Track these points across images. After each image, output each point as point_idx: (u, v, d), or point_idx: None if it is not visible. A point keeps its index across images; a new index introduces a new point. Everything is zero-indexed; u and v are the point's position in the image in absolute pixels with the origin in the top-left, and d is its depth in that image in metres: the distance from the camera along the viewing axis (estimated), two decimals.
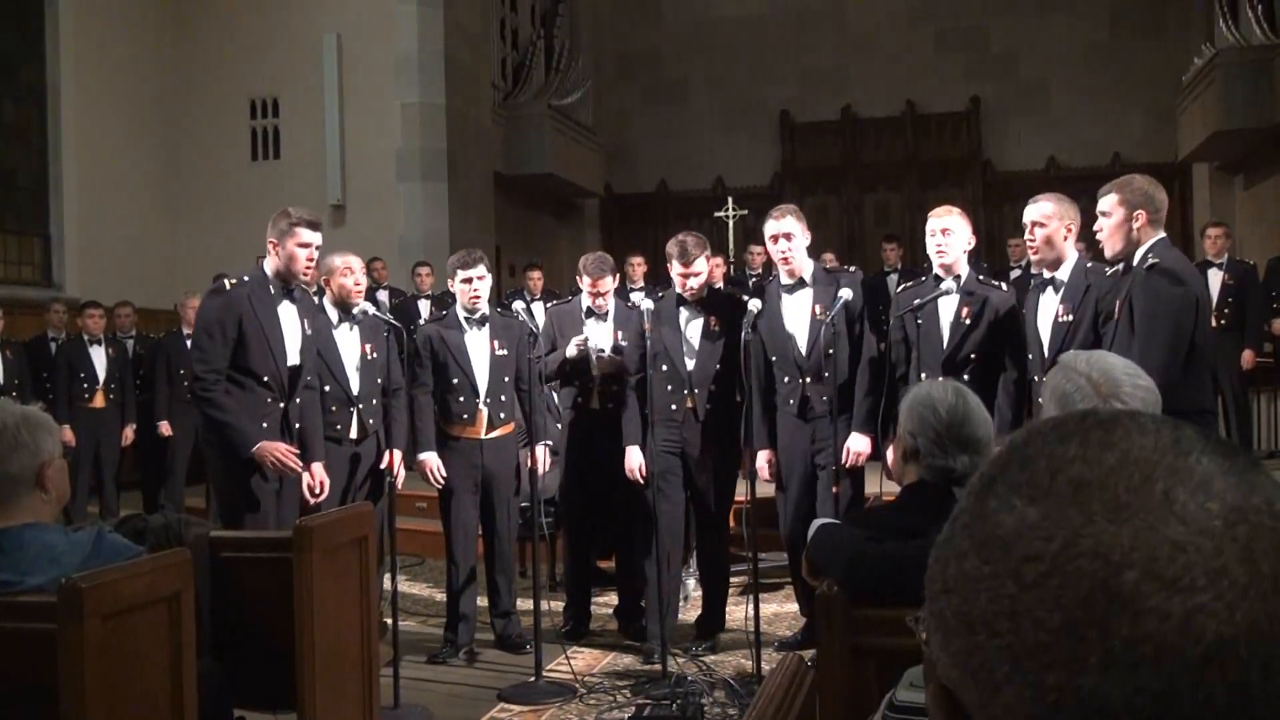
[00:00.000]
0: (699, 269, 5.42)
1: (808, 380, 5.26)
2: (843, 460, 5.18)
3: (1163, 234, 4.12)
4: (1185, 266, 4.18)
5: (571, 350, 5.71)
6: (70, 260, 11.50)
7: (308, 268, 4.93)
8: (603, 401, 5.76)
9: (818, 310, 5.25)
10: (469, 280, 5.50)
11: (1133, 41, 15.97)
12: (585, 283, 5.83)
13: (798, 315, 5.32)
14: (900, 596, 2.26)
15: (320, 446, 5.13)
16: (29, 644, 2.61)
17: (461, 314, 5.58)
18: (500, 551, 5.68)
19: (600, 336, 5.81)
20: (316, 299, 5.60)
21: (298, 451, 4.85)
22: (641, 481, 5.46)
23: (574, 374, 5.83)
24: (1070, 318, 4.49)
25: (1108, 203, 4.13)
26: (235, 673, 3.46)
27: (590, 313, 5.85)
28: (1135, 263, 4.09)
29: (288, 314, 4.90)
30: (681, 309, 5.48)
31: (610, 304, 5.85)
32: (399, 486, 5.53)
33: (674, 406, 5.42)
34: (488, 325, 5.59)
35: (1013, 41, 16.47)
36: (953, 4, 16.63)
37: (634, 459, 5.49)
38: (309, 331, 5.02)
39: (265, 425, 4.77)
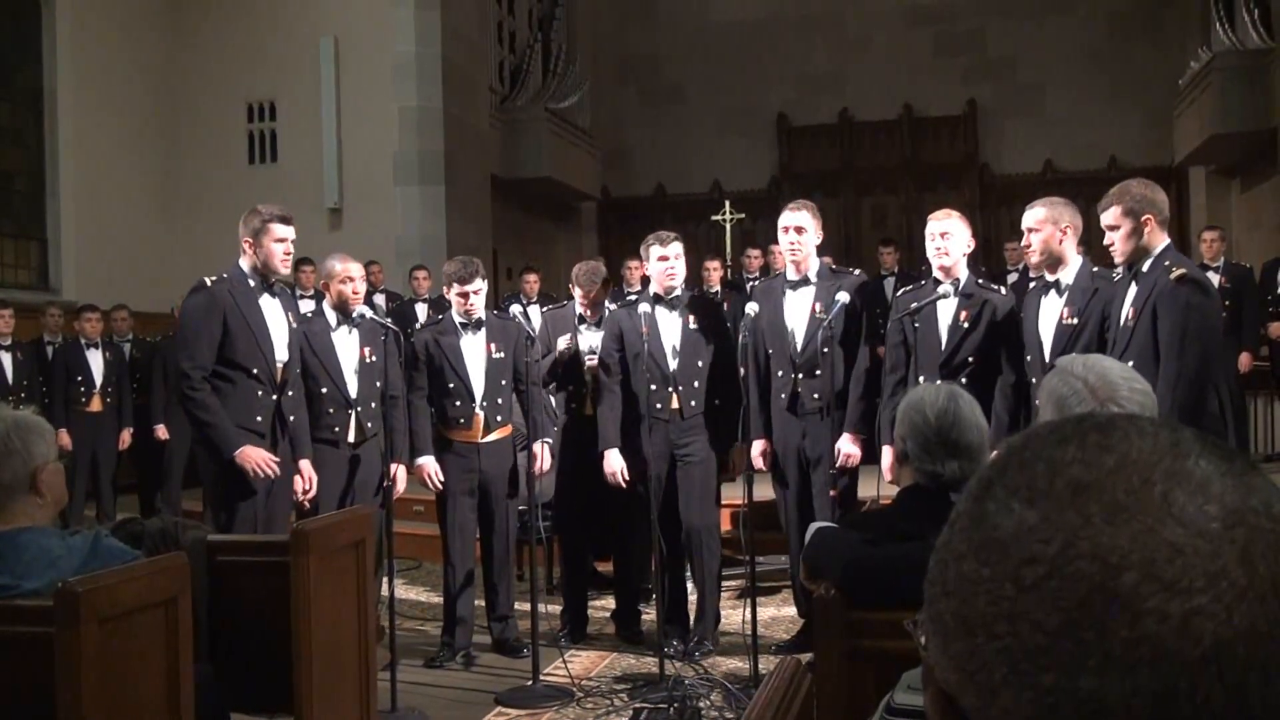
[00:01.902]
0: (676, 251, 5.45)
1: (799, 376, 5.31)
2: (834, 462, 5.19)
3: (1168, 239, 4.12)
4: (1204, 276, 4.20)
5: (559, 350, 5.73)
6: (67, 264, 11.50)
7: (285, 261, 4.94)
8: (596, 407, 5.77)
9: (817, 309, 5.28)
10: (465, 295, 5.50)
11: (1130, 45, 16.00)
12: (577, 293, 5.87)
13: (798, 311, 5.35)
14: (897, 599, 2.26)
15: (308, 443, 5.13)
16: (26, 648, 2.60)
17: (458, 318, 5.59)
18: (498, 555, 5.68)
19: (594, 341, 5.82)
20: (314, 302, 5.60)
21: (278, 460, 4.84)
22: (622, 485, 5.48)
23: (566, 378, 5.83)
24: (1075, 320, 4.49)
25: (1112, 215, 4.11)
26: (232, 676, 3.46)
27: (583, 318, 5.88)
28: (1147, 268, 4.07)
29: (271, 308, 4.92)
30: (659, 308, 5.49)
31: (604, 310, 5.87)
32: (399, 491, 5.53)
33: (659, 406, 5.44)
34: (484, 329, 5.59)
35: (1010, 45, 16.49)
36: (950, 7, 16.66)
37: (612, 462, 5.50)
38: (294, 325, 5.04)
39: (259, 419, 4.78)
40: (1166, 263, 4.01)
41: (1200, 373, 3.88)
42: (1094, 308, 4.45)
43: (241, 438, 4.71)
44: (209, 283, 4.82)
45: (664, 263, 5.46)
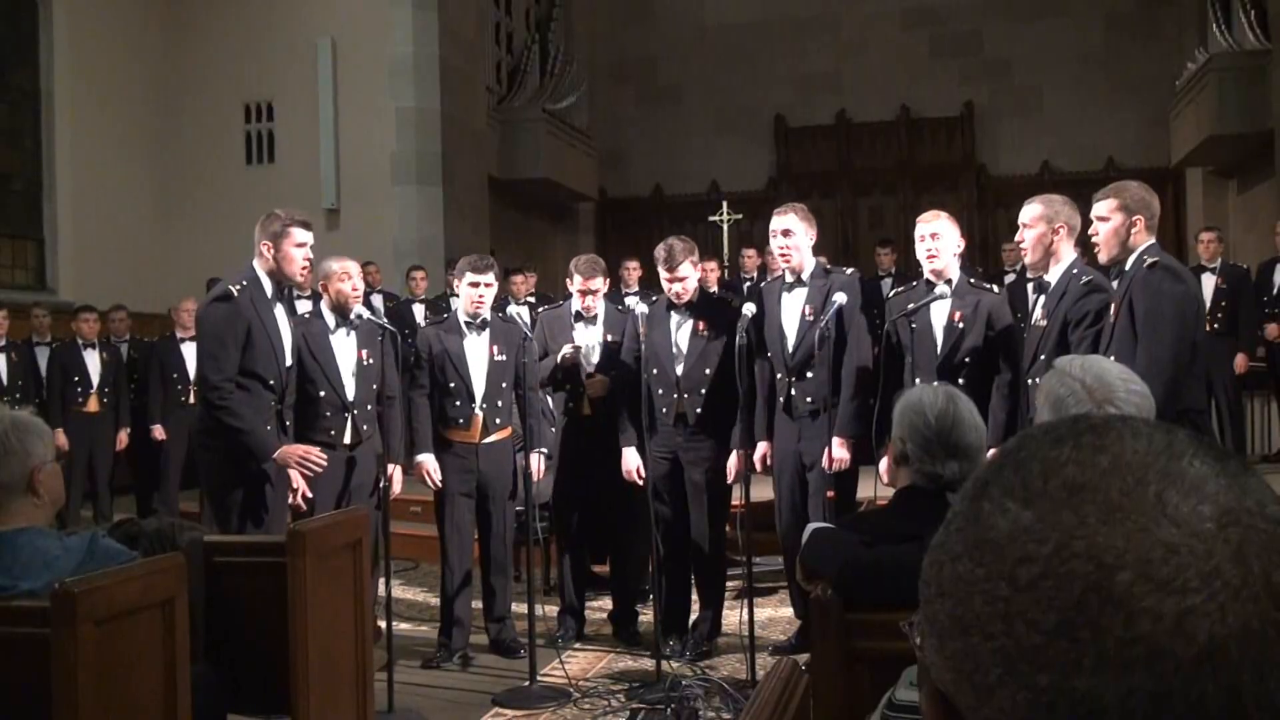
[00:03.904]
0: (684, 274, 5.43)
1: (793, 379, 5.30)
2: (824, 465, 5.19)
3: (1153, 240, 4.13)
4: (1182, 266, 4.21)
5: (562, 355, 5.71)
6: (64, 264, 11.49)
7: (304, 268, 4.93)
8: (594, 408, 5.76)
9: (807, 310, 5.27)
10: (476, 285, 5.50)
11: (1126, 46, 16.01)
12: (576, 282, 5.82)
13: (791, 313, 5.35)
14: (894, 600, 2.26)
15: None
16: (22, 649, 2.60)
17: (462, 318, 5.59)
18: (495, 556, 5.68)
19: (589, 340, 5.82)
20: (312, 304, 5.60)
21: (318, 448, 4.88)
22: (640, 482, 5.46)
23: (565, 380, 5.83)
24: (1045, 322, 4.49)
25: (1105, 207, 4.13)
26: (229, 677, 3.46)
27: (579, 316, 5.85)
28: (1129, 266, 4.09)
29: (281, 316, 4.92)
30: (671, 313, 5.50)
31: (600, 307, 5.86)
32: (396, 492, 5.52)
33: (664, 410, 5.43)
34: (487, 330, 5.59)
35: (1006, 46, 16.50)
36: (947, 9, 16.66)
37: (630, 460, 5.49)
38: (293, 329, 5.04)
39: (269, 428, 4.79)
40: (1145, 258, 4.03)
41: (1176, 356, 3.85)
42: (1060, 310, 4.44)
43: (276, 440, 4.73)
44: (235, 292, 4.77)
45: (668, 284, 5.46)
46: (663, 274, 5.47)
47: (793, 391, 5.32)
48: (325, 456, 4.87)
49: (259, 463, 4.68)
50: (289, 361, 4.93)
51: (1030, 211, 4.58)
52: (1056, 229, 4.51)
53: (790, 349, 5.32)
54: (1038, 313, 4.55)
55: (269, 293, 4.85)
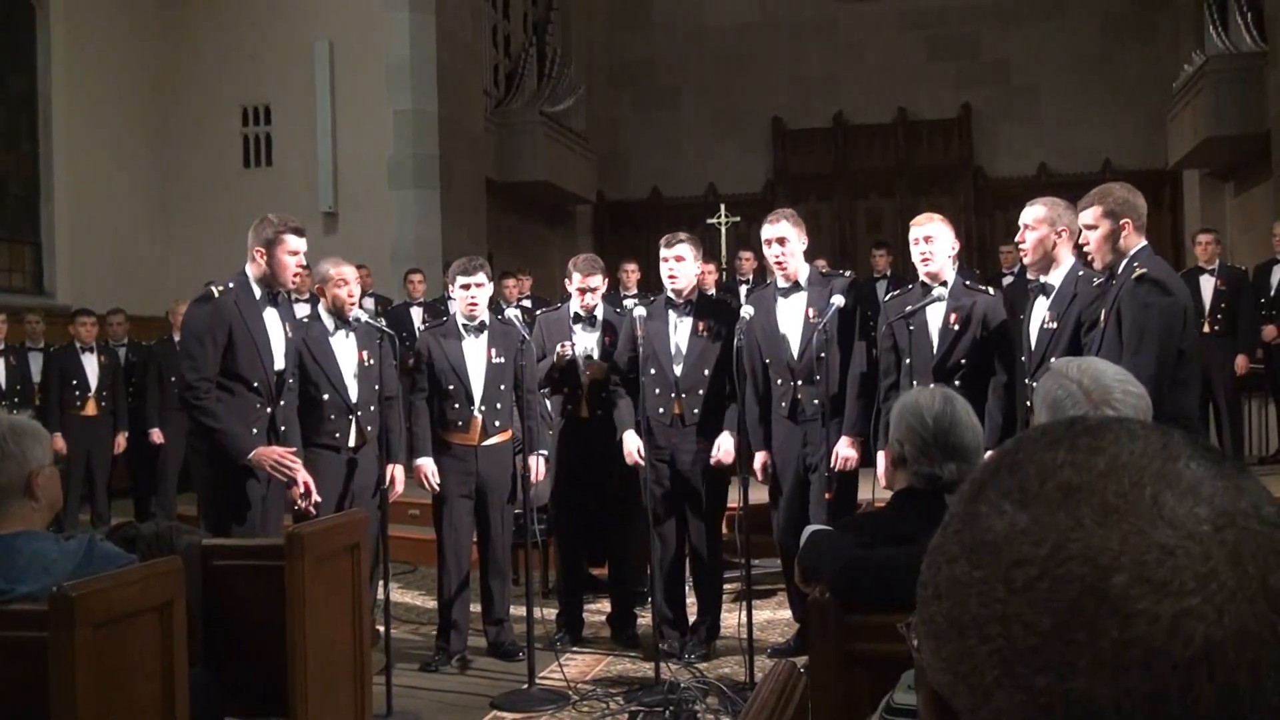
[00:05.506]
0: (681, 254, 5.43)
1: (799, 383, 5.30)
2: (832, 464, 5.20)
3: (1144, 241, 4.13)
4: (1171, 276, 4.19)
5: (556, 355, 5.71)
6: (61, 268, 11.48)
7: (296, 274, 4.92)
8: (592, 410, 5.76)
9: (811, 314, 5.27)
10: (467, 287, 5.52)
11: (1123, 48, 16.03)
12: (575, 279, 5.81)
13: (791, 318, 5.34)
14: (891, 602, 2.26)
15: (300, 450, 5.12)
16: (20, 653, 2.60)
17: (461, 321, 5.59)
18: (494, 559, 5.68)
19: (588, 343, 5.81)
20: (310, 307, 5.60)
21: (294, 450, 4.85)
22: (642, 463, 5.42)
23: (563, 381, 5.83)
24: (1055, 325, 4.49)
25: (1091, 215, 4.13)
26: (227, 680, 3.45)
27: (578, 318, 5.85)
28: (1120, 271, 4.09)
29: (272, 319, 4.90)
30: (670, 312, 5.49)
31: (599, 309, 5.86)
32: (396, 493, 5.53)
33: (661, 410, 5.43)
34: (486, 333, 5.59)
35: (1004, 49, 16.52)
36: (944, 12, 16.68)
37: (630, 442, 5.47)
38: (290, 335, 5.03)
39: (255, 431, 4.77)
40: (1135, 264, 4.02)
41: (1158, 372, 3.84)
42: (1071, 312, 4.44)
43: (253, 440, 4.71)
44: (216, 293, 4.76)
45: (664, 264, 5.46)
46: (662, 254, 5.48)
47: (799, 396, 5.31)
48: (299, 463, 4.83)
49: (235, 461, 4.67)
50: (280, 364, 4.90)
51: (1033, 213, 4.59)
52: (1059, 231, 4.52)
53: (796, 353, 5.31)
54: (1044, 315, 4.55)
55: (257, 295, 4.84)
